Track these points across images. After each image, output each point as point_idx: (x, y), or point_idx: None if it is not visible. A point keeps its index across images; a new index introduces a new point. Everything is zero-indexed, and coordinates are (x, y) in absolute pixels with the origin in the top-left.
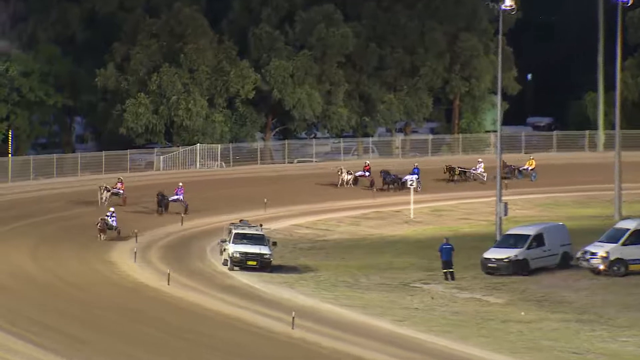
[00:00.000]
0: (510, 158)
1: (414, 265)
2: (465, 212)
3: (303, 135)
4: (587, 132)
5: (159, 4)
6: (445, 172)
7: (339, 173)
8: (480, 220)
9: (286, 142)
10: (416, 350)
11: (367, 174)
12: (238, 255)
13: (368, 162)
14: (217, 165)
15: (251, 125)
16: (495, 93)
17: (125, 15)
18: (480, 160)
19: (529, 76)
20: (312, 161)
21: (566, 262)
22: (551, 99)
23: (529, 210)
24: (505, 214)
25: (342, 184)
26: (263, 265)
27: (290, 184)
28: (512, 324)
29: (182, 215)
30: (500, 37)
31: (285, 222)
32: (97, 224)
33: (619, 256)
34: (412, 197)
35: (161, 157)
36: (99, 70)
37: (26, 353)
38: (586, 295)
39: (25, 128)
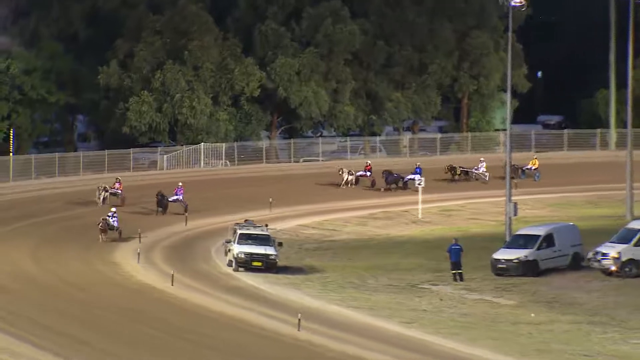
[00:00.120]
0: (514, 157)
1: (422, 266)
2: (474, 212)
3: (309, 134)
4: (598, 130)
5: (162, 0)
6: (446, 172)
7: (340, 173)
8: (490, 221)
9: (292, 141)
10: (424, 353)
11: (368, 173)
12: (243, 256)
13: (369, 161)
14: (222, 165)
15: (256, 123)
16: (504, 91)
17: (128, 12)
18: (482, 159)
19: (539, 73)
20: (318, 160)
21: (577, 263)
22: (562, 96)
23: (539, 210)
24: (515, 214)
25: (343, 184)
26: (269, 266)
27: (296, 184)
28: (522, 326)
29: (186, 215)
30: (510, 33)
31: (291, 222)
32: (99, 225)
33: (631, 257)
34: (420, 197)
35: (165, 156)
36: (102, 67)
37: (28, 355)
38: (597, 297)
39: (27, 126)
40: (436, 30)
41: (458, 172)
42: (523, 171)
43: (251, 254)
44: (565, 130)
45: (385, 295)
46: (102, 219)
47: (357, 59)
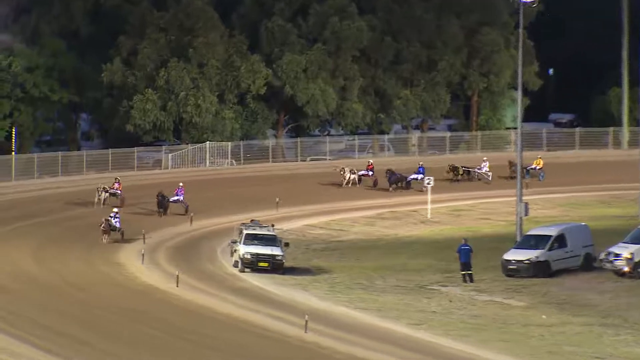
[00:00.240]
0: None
1: (431, 266)
2: (485, 212)
3: (316, 132)
4: (611, 128)
5: None
6: (448, 172)
7: (341, 172)
8: (500, 221)
9: (299, 139)
10: (433, 355)
11: (370, 173)
12: (249, 257)
13: (371, 160)
14: (228, 164)
15: (262, 122)
16: (515, 88)
17: (132, 8)
18: (485, 159)
19: (551, 71)
20: (325, 159)
21: (589, 263)
22: (573, 94)
23: (550, 210)
24: (526, 214)
25: (346, 183)
26: (275, 266)
27: (303, 183)
28: (533, 328)
29: (191, 215)
30: (521, 30)
31: (297, 222)
32: (101, 225)
33: None
34: (429, 196)
35: (169, 155)
36: (105, 65)
37: (28, 355)
38: (610, 298)
39: (29, 125)
40: (444, 27)
41: (460, 172)
42: (527, 171)
43: (257, 254)
44: (577, 129)
45: (393, 296)
46: (105, 220)
47: (365, 55)
